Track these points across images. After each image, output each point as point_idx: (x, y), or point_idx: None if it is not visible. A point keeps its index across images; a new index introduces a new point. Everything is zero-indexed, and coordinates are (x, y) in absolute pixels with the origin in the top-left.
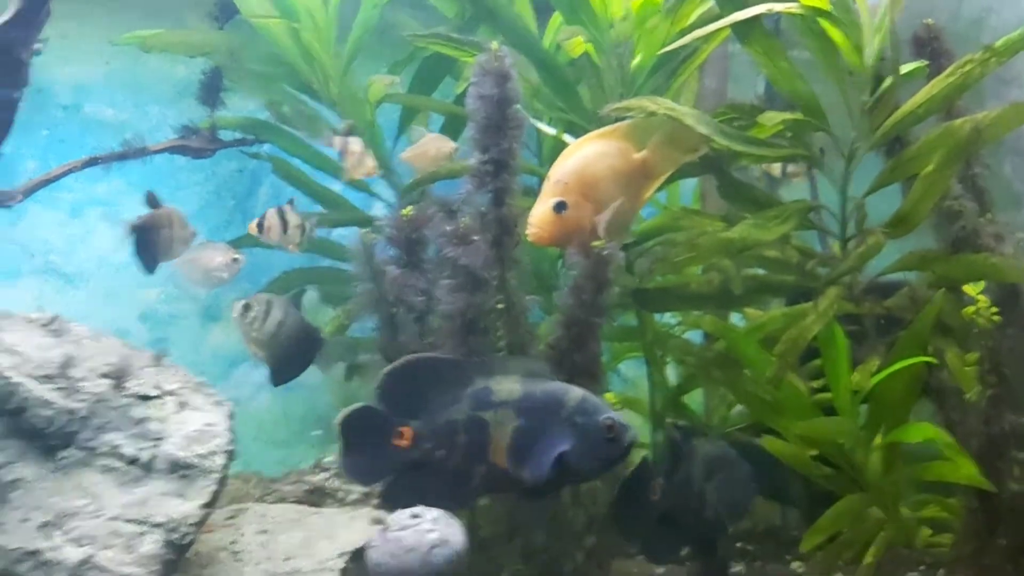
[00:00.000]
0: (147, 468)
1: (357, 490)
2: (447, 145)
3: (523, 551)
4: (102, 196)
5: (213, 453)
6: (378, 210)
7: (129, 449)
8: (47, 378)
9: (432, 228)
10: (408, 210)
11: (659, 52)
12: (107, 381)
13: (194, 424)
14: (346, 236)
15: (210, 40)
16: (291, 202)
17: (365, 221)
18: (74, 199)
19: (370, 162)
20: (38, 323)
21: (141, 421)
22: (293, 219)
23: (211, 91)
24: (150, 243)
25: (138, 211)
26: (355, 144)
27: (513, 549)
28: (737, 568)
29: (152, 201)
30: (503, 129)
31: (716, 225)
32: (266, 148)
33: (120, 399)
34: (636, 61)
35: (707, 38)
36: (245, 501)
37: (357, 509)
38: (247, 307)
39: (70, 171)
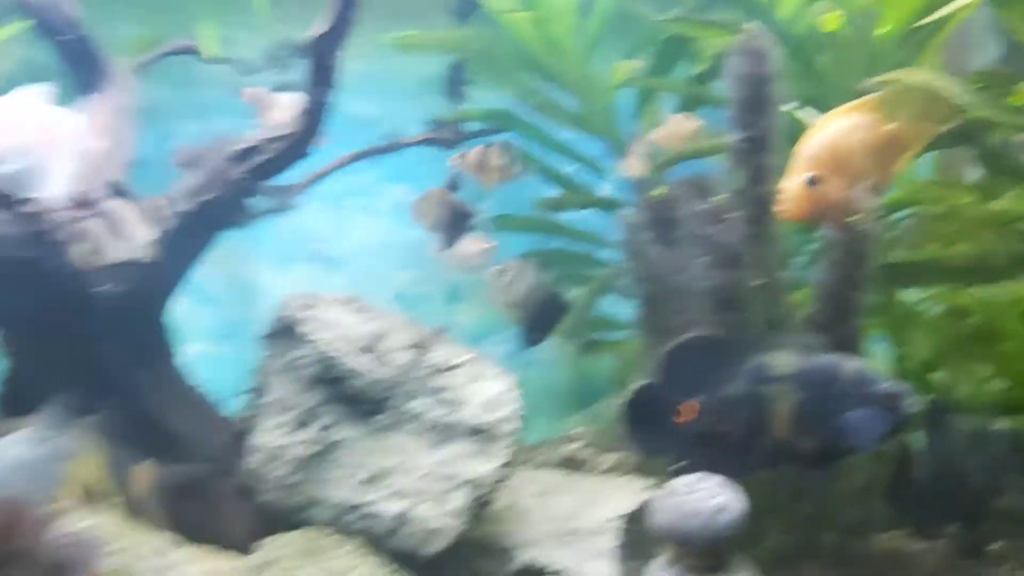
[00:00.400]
0: (450, 431)
1: (608, 460)
2: (694, 124)
3: (785, 522)
4: (359, 187)
5: (507, 418)
6: (605, 191)
7: (433, 414)
8: (362, 350)
9: (684, 207)
10: (659, 190)
11: (914, 23)
12: (410, 353)
13: (488, 392)
14: (579, 219)
15: (461, 37)
16: (499, 145)
17: (600, 203)
18: (336, 190)
19: (642, 165)
20: (342, 302)
21: (441, 389)
22: (494, 160)
23: (455, 85)
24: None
25: (393, 200)
26: (636, 147)
27: (777, 519)
28: (993, 546)
29: (454, 185)
30: (762, 107)
31: (969, 196)
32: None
33: (422, 369)
34: (881, 32)
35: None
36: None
37: (620, 477)
38: (502, 272)
39: (341, 165)
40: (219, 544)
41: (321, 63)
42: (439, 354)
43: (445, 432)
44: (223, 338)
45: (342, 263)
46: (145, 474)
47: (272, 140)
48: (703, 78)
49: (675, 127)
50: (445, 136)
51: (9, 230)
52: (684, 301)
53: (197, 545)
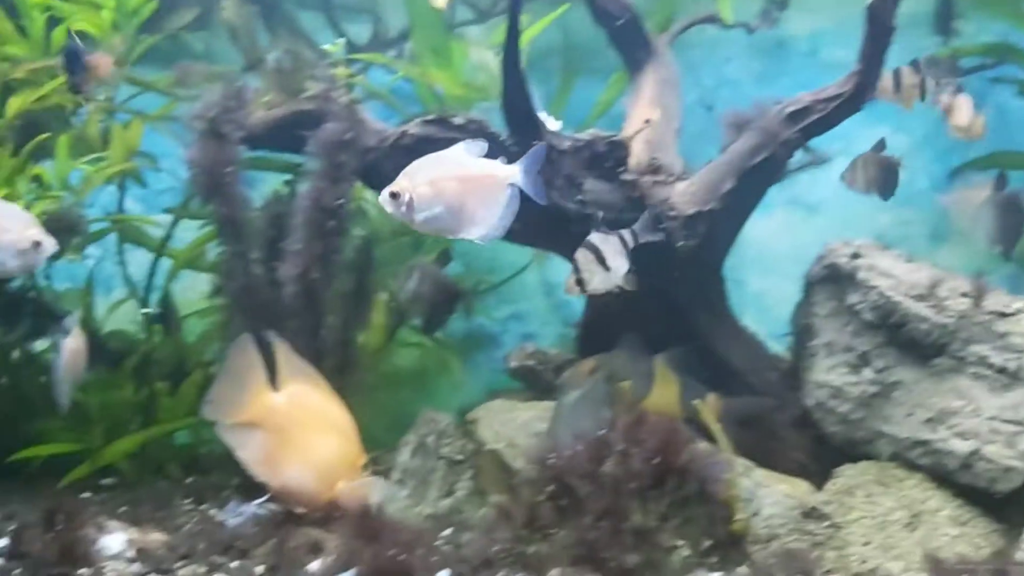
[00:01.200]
0: (1015, 377)
1: None
2: None
3: None
4: (838, 131)
5: None
6: None
7: (996, 359)
8: (919, 297)
9: None
10: None
11: None
12: (966, 300)
13: None
14: None
15: None
16: (915, 63)
17: None
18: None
19: None
20: (882, 250)
21: (1004, 335)
22: (909, 79)
23: (946, 20)
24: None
25: (872, 141)
26: None
27: None
28: None
29: (880, 145)
30: None
31: None
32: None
33: (981, 315)
34: None
35: None
36: None
37: None
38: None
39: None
40: (776, 470)
41: (879, 27)
42: (995, 300)
43: (1011, 377)
44: None
45: (820, 207)
46: (713, 404)
47: (823, 100)
48: None
49: None
50: (938, 74)
51: (613, 197)
52: None
53: (761, 470)
